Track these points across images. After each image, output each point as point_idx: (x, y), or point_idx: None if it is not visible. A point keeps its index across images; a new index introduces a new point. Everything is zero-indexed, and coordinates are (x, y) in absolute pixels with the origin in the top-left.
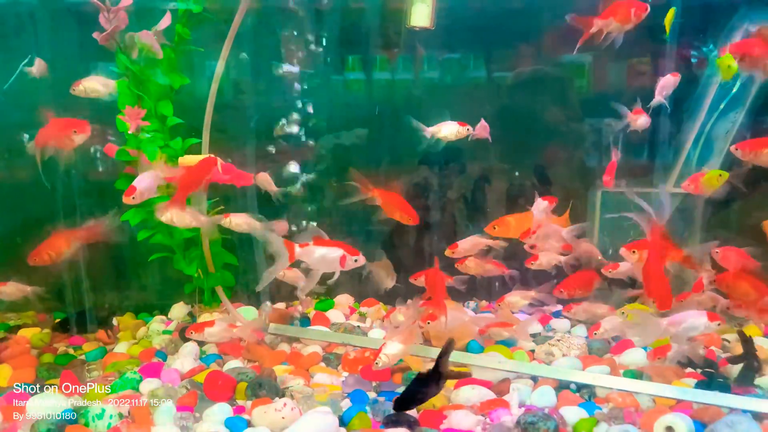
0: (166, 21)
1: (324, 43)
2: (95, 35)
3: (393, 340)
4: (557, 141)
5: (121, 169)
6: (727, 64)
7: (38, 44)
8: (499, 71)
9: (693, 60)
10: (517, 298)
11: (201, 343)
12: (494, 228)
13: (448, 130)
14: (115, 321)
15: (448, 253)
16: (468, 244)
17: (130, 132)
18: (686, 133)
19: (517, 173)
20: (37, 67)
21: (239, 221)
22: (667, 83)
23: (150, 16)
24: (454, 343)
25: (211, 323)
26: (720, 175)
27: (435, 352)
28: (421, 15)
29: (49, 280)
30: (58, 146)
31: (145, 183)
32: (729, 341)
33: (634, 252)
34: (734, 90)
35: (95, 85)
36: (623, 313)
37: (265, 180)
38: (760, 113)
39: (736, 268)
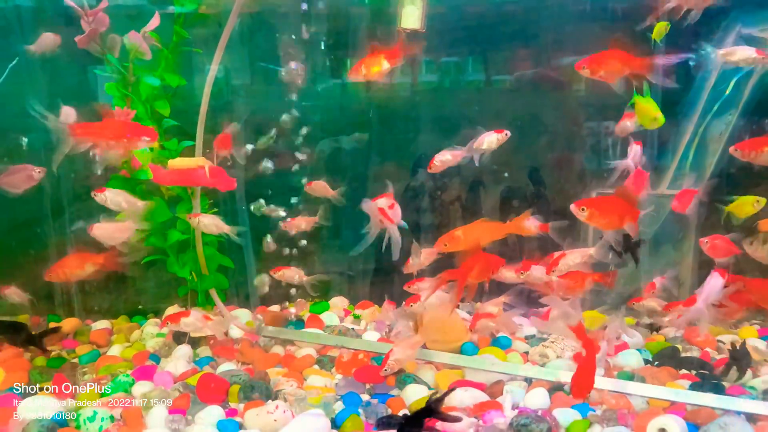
0: (154, 22)
1: (321, 46)
2: (76, 39)
3: (400, 346)
4: (553, 143)
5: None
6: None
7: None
8: (498, 74)
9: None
10: (491, 308)
11: (194, 346)
12: (445, 245)
13: (488, 143)
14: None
15: (405, 270)
16: (421, 256)
17: None
18: (680, 135)
19: (506, 174)
20: (39, 43)
21: (207, 222)
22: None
23: (147, 18)
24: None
25: (186, 313)
26: (757, 201)
27: (430, 354)
28: (411, 17)
29: (40, 283)
30: (114, 147)
31: (102, 230)
32: (724, 343)
33: (583, 210)
34: (727, 92)
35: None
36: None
37: (321, 187)
38: (754, 114)
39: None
